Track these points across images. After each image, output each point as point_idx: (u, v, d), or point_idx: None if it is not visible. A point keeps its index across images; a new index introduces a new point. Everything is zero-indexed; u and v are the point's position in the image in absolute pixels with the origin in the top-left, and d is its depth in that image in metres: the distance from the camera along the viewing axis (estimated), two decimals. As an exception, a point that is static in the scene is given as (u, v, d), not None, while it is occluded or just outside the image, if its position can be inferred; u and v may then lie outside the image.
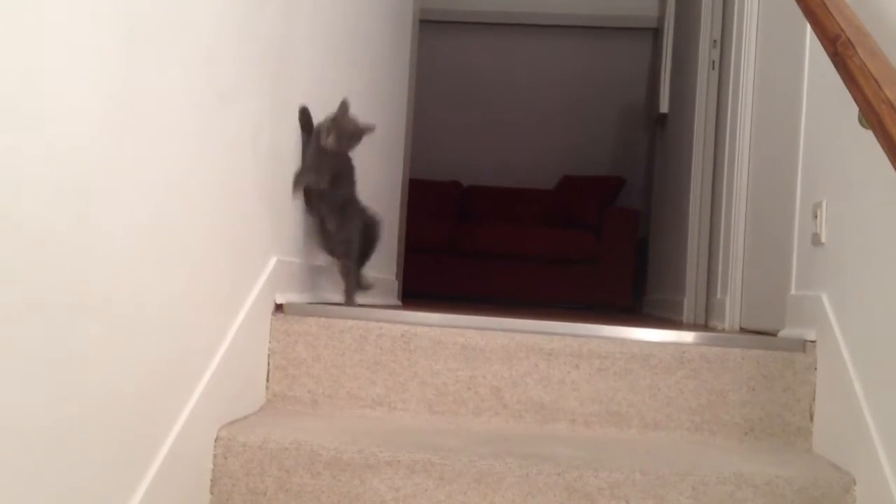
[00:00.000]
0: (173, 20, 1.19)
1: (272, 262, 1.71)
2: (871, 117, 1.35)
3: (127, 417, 1.14)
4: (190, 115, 1.28)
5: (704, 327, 2.83)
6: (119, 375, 1.11)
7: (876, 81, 1.37)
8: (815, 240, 1.71)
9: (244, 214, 1.55)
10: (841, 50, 1.47)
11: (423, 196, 5.32)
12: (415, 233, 4.31)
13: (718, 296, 2.80)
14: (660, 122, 4.76)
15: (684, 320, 3.27)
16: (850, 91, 1.43)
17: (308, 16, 1.87)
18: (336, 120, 1.83)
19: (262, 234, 1.66)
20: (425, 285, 4.93)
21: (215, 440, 1.44)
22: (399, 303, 3.16)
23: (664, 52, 4.53)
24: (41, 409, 0.94)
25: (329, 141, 1.81)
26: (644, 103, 5.82)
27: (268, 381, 1.71)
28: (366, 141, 1.97)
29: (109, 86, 1.03)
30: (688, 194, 3.41)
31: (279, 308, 1.75)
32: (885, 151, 1.28)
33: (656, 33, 5.48)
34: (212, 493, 1.44)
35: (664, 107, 4.48)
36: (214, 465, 1.43)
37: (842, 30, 1.50)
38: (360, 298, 2.14)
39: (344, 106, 1.84)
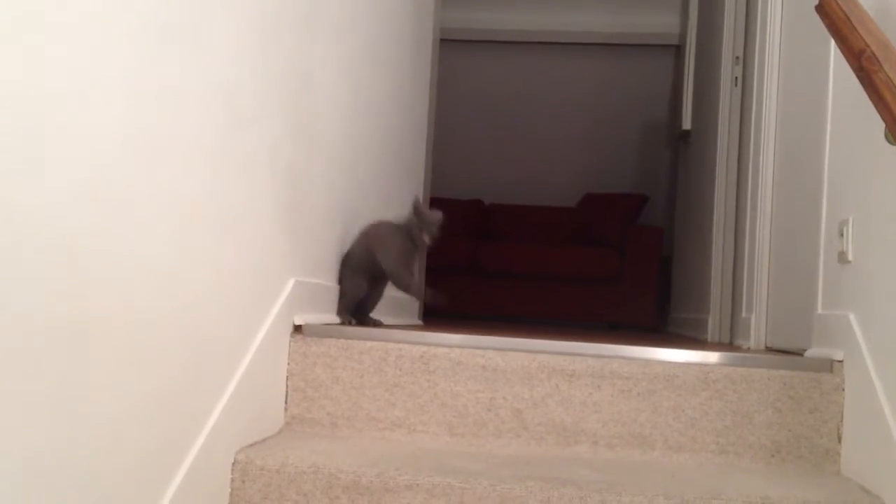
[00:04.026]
0: (192, 47, 1.19)
1: (291, 282, 1.70)
2: (897, 133, 1.32)
3: (141, 441, 1.14)
4: (207, 139, 1.27)
5: (729, 346, 2.79)
6: (133, 398, 1.10)
7: (902, 97, 1.34)
8: (842, 258, 1.68)
9: (262, 235, 1.54)
10: (866, 65, 1.45)
11: (444, 214, 5.31)
12: (437, 251, 4.29)
13: (743, 314, 2.76)
14: (682, 138, 4.73)
15: (709, 339, 3.23)
16: (875, 106, 1.40)
17: (329, 39, 1.88)
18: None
19: (281, 254, 1.65)
20: (449, 304, 4.91)
21: (233, 464, 1.43)
22: (420, 322, 3.15)
23: (686, 69, 4.51)
24: (50, 431, 0.93)
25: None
26: (666, 120, 5.80)
27: (286, 403, 1.70)
28: (385, 160, 1.95)
29: (128, 112, 1.03)
30: (711, 211, 3.38)
31: (298, 329, 1.74)
32: (913, 168, 1.26)
33: (678, 50, 5.46)
34: (230, 518, 1.43)
35: (687, 124, 4.45)
36: (232, 490, 1.42)
37: (867, 45, 1.48)
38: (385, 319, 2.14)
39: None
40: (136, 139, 1.06)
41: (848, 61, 1.53)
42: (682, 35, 5.02)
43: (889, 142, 1.42)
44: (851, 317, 1.60)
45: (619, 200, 5.40)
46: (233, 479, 1.42)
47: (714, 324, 3.23)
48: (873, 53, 1.45)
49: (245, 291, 1.48)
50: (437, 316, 4.34)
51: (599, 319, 4.98)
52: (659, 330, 4.92)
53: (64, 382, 0.94)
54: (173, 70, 1.15)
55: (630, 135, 5.90)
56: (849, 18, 1.59)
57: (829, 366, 1.66)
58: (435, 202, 4.58)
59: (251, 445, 1.50)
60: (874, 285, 1.52)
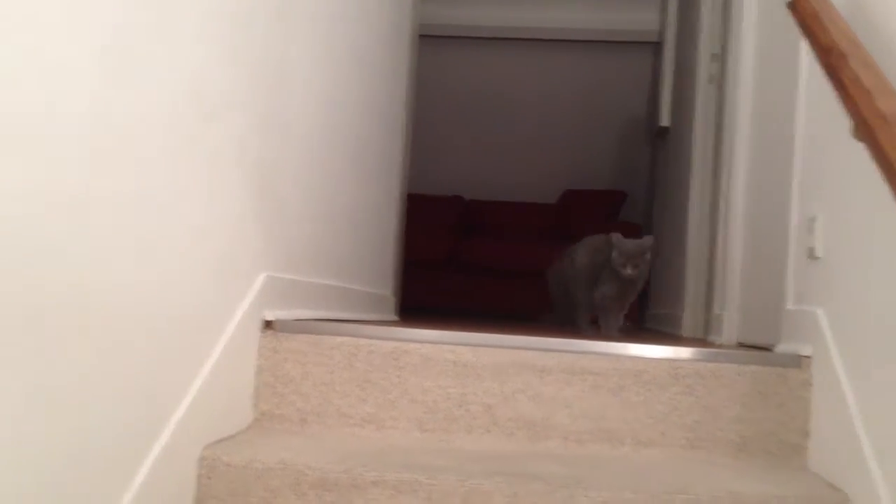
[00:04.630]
0: (159, 40, 1.18)
1: (261, 278, 1.69)
2: (863, 130, 1.33)
3: (102, 437, 1.12)
4: (172, 132, 1.26)
5: (703, 342, 2.80)
6: (96, 392, 1.09)
7: (869, 93, 1.35)
8: (811, 254, 1.69)
9: (230, 230, 1.53)
10: (834, 62, 1.46)
11: (425, 211, 5.30)
12: (417, 247, 4.29)
13: (716, 310, 2.77)
14: (661, 135, 4.74)
15: (683, 335, 3.24)
16: (843, 103, 1.41)
17: (303, 32, 1.86)
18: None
19: (251, 249, 1.64)
20: (428, 300, 4.91)
21: (199, 460, 1.41)
22: (396, 318, 3.14)
23: (664, 66, 4.53)
24: (5, 426, 0.92)
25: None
26: (645, 117, 5.81)
27: (256, 399, 1.69)
28: (362, 155, 1.95)
29: (93, 105, 1.01)
30: (687, 208, 3.39)
31: (269, 325, 1.73)
32: (878, 164, 1.26)
33: (657, 47, 5.47)
34: (196, 515, 1.42)
35: (665, 120, 4.46)
36: (198, 486, 1.41)
37: (835, 42, 1.49)
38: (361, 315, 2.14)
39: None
40: (97, 131, 1.05)
41: (817, 57, 1.54)
42: (661, 32, 5.03)
43: (856, 138, 1.42)
44: (820, 312, 1.61)
45: (598, 197, 5.41)
46: (199, 476, 1.41)
47: (688, 319, 3.25)
48: (841, 50, 1.46)
49: (212, 287, 1.47)
50: (417, 312, 4.33)
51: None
52: (636, 325, 4.93)
53: (20, 374, 0.92)
54: (139, 60, 1.14)
55: (609, 131, 5.91)
56: (818, 15, 1.59)
57: (798, 361, 1.66)
58: (415, 198, 4.56)
59: (219, 441, 1.49)
60: (842, 281, 1.53)
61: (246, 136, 1.58)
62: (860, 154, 1.46)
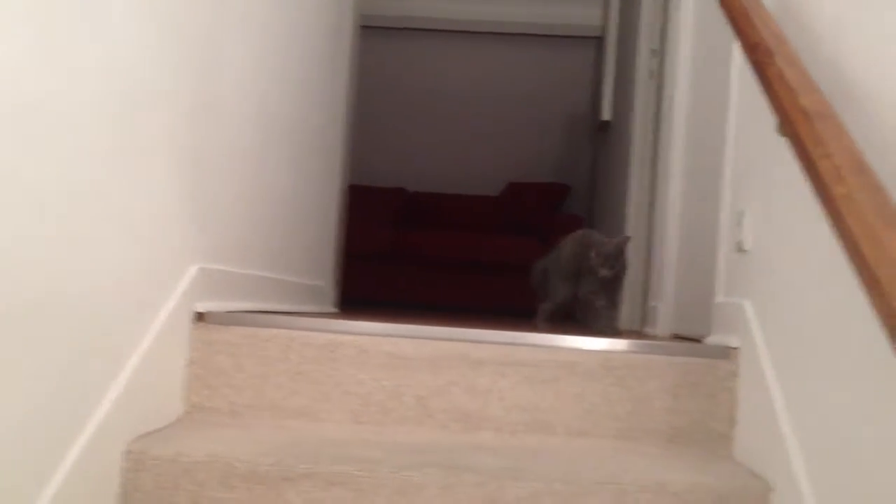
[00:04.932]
0: (87, 24, 1.15)
1: (193, 269, 1.66)
2: (787, 126, 1.36)
3: (14, 433, 1.10)
4: (100, 119, 1.23)
5: (639, 334, 2.84)
6: (12, 386, 1.07)
7: (793, 90, 1.38)
8: (739, 247, 1.72)
9: (160, 220, 1.51)
10: (761, 58, 1.49)
11: (367, 202, 5.29)
12: (359, 239, 4.26)
13: (651, 303, 2.81)
14: (602, 129, 4.79)
15: (621, 327, 3.28)
16: (769, 99, 1.43)
17: (239, 21, 1.84)
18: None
19: (182, 241, 1.62)
20: (370, 293, 4.90)
21: (125, 454, 1.39)
22: (335, 310, 3.13)
23: (606, 61, 4.57)
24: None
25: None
26: (588, 111, 5.87)
27: (186, 391, 1.67)
28: (299, 146, 1.92)
29: (14, 87, 0.99)
30: (626, 201, 3.43)
31: (200, 317, 1.71)
32: (799, 159, 1.29)
33: (600, 42, 5.52)
34: (122, 510, 1.39)
35: (606, 114, 4.51)
36: (125, 480, 1.38)
37: (762, 39, 1.51)
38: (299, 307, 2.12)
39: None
40: (17, 115, 1.02)
41: (745, 54, 1.56)
42: (604, 27, 5.08)
43: (780, 134, 1.45)
44: (747, 304, 1.65)
45: (541, 190, 5.45)
46: (126, 470, 1.39)
47: (626, 312, 3.29)
48: (767, 47, 1.49)
49: (141, 278, 1.44)
50: (359, 304, 4.32)
51: (522, 307, 5.01)
52: (576, 317, 4.98)
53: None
54: (62, 41, 1.11)
55: (553, 125, 5.95)
56: (748, 13, 1.62)
57: (726, 353, 1.70)
58: (359, 190, 4.54)
59: (147, 435, 1.47)
60: (768, 274, 1.57)
61: (175, 125, 1.55)
62: (785, 150, 1.49)
